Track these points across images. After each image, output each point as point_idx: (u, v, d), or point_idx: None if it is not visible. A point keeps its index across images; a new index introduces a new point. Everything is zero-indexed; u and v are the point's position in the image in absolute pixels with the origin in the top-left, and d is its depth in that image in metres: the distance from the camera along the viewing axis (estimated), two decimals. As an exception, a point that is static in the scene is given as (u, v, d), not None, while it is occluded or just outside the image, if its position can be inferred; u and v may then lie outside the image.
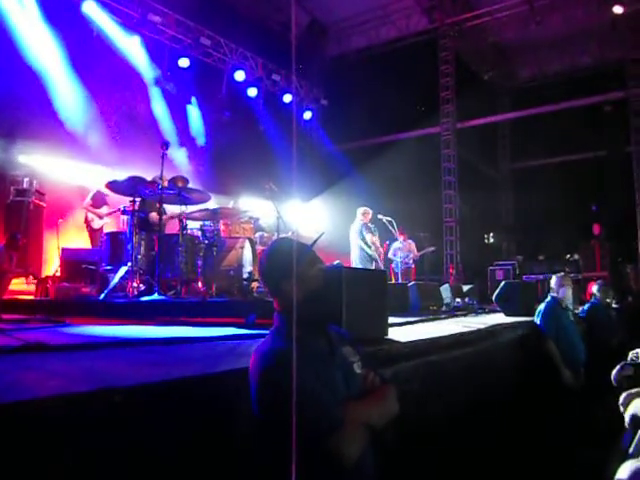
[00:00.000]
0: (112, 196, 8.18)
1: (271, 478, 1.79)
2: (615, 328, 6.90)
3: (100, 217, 8.54)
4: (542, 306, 5.86)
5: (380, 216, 10.17)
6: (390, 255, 11.12)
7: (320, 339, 2.01)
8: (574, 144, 16.12)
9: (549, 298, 5.89)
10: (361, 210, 9.77)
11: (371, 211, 9.79)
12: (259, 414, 1.84)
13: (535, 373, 5.48)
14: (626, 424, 2.74)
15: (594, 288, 7.33)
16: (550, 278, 6.20)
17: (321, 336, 2.02)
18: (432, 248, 12.32)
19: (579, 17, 14.49)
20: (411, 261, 11.35)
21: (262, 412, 1.83)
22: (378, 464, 1.98)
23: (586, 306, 7.14)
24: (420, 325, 5.50)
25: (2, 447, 1.39)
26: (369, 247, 9.44)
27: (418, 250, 11.72)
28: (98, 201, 8.65)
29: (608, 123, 15.08)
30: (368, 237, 9.48)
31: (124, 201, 6.63)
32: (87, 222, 8.67)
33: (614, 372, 4.12)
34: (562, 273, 6.11)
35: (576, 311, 7.24)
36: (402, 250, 11.08)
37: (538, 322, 5.81)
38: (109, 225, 8.76)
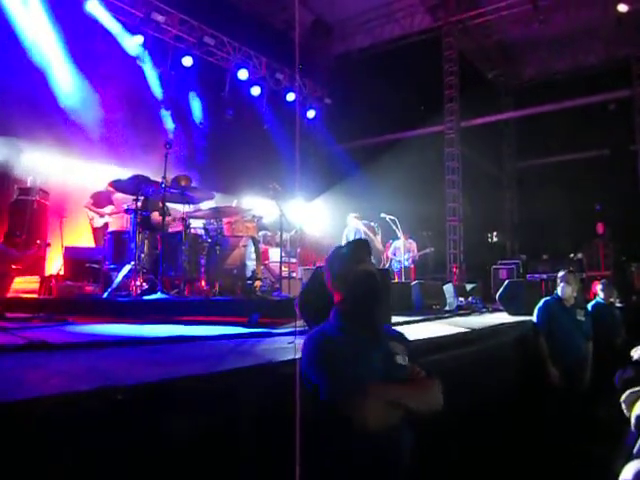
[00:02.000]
0: (118, 195, 8.22)
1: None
2: (619, 328, 6.88)
3: (101, 215, 8.55)
4: (542, 305, 5.88)
5: (384, 215, 10.21)
6: (389, 254, 11.14)
7: (366, 329, 2.31)
8: (578, 143, 16.05)
9: (554, 297, 5.89)
10: (352, 215, 10.33)
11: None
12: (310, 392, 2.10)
13: (536, 372, 5.47)
14: (632, 426, 2.71)
15: (598, 287, 7.30)
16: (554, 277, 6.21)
17: (368, 327, 2.32)
18: (430, 249, 12.29)
19: (583, 15, 14.44)
20: (410, 260, 11.35)
21: (312, 390, 2.09)
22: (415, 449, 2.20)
23: (590, 305, 7.12)
24: (423, 324, 5.49)
25: (6, 445, 1.40)
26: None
27: (418, 250, 11.72)
28: (101, 200, 8.65)
29: (613, 122, 15.01)
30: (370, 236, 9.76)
31: (129, 200, 6.63)
32: (89, 220, 8.69)
33: (616, 375, 4.11)
34: (565, 270, 6.07)
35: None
36: (403, 249, 11.09)
37: (534, 319, 5.84)
38: (113, 224, 8.76)
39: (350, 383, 2.06)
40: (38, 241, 8.30)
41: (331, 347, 2.16)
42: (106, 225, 8.50)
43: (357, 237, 10.00)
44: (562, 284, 5.77)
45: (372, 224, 10.21)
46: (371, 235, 10.02)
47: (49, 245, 8.31)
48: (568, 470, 3.82)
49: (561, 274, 5.93)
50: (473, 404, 3.82)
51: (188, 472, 1.86)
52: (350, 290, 2.31)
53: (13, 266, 7.48)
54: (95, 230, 8.55)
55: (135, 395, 1.78)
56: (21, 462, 1.43)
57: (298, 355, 2.51)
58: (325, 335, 2.24)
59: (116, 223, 8.15)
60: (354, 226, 10.14)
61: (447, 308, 8.28)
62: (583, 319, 5.86)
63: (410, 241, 11.42)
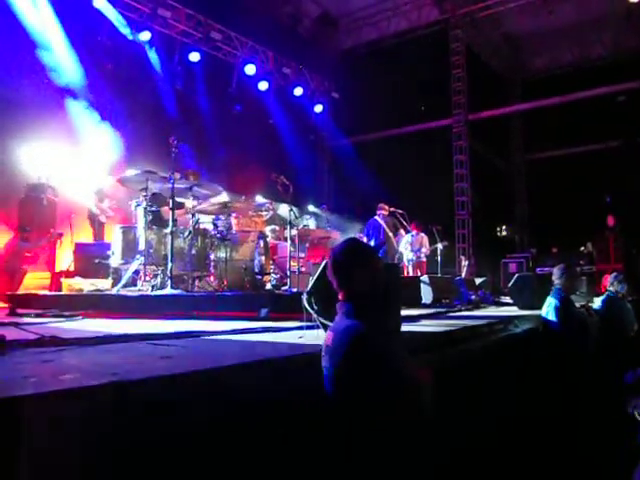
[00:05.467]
0: (108, 189, 8.36)
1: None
2: (631, 321, 6.80)
3: (105, 212, 8.62)
4: (554, 302, 5.45)
5: (392, 209, 10.20)
6: (401, 248, 11.09)
7: (388, 325, 2.46)
8: (587, 135, 15.94)
9: (561, 293, 5.49)
10: (380, 206, 10.41)
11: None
12: (339, 386, 2.11)
13: (546, 367, 5.42)
14: None
15: (609, 280, 7.21)
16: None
17: (390, 323, 2.49)
18: (445, 243, 12.24)
19: (592, 6, 14.32)
20: (422, 255, 11.30)
21: (345, 383, 2.10)
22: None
23: (601, 299, 7.05)
24: (433, 318, 5.47)
25: (16, 440, 1.40)
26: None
27: (430, 244, 11.67)
28: (100, 195, 8.74)
29: (622, 113, 14.88)
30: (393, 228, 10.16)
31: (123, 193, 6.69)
32: (94, 218, 8.73)
33: (627, 375, 4.07)
34: (570, 265, 5.84)
35: (591, 304, 7.14)
36: (413, 244, 11.05)
37: (554, 319, 5.41)
38: (112, 219, 8.84)
39: (399, 378, 2.11)
40: (52, 230, 8.33)
41: (376, 344, 2.15)
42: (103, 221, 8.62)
43: (374, 232, 10.06)
44: (579, 279, 5.49)
45: (399, 213, 10.26)
46: (389, 233, 10.06)
47: (62, 235, 8.31)
48: (576, 469, 3.79)
49: (568, 270, 5.60)
50: (483, 397, 3.80)
51: (198, 465, 1.86)
52: (373, 287, 2.31)
53: (26, 259, 7.56)
54: (101, 225, 8.62)
55: (145, 390, 1.78)
56: (30, 457, 1.43)
57: (306, 350, 2.52)
58: (367, 332, 2.16)
59: (115, 217, 8.25)
60: (376, 218, 10.21)
61: (457, 302, 8.25)
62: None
63: (422, 235, 11.36)
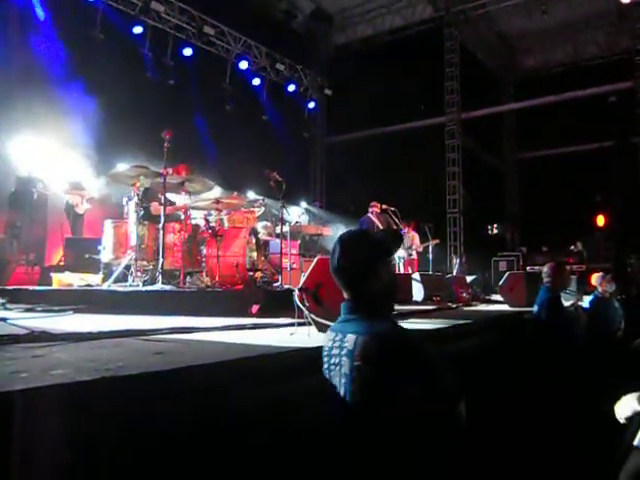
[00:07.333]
0: (87, 182, 8.34)
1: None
2: (619, 321, 6.85)
3: (81, 198, 8.60)
4: (544, 300, 5.44)
5: (385, 207, 10.22)
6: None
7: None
8: (580, 135, 16.03)
9: (550, 291, 5.47)
10: (371, 204, 10.40)
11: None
12: (378, 395, 1.84)
13: (536, 365, 5.45)
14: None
15: (596, 280, 7.25)
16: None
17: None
18: (436, 241, 12.27)
19: (585, 6, 14.39)
20: (414, 253, 11.33)
21: (382, 392, 1.83)
22: None
23: (590, 298, 7.10)
24: (423, 316, 5.49)
25: (5, 436, 1.39)
26: None
27: (422, 242, 11.70)
28: (76, 186, 8.70)
29: (614, 114, 14.97)
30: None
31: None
32: (69, 209, 8.67)
33: None
34: (558, 263, 5.87)
35: (581, 302, 7.20)
36: (404, 241, 11.07)
37: (543, 317, 5.53)
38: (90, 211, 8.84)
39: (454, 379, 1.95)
40: None
41: (421, 345, 1.96)
42: (84, 213, 8.59)
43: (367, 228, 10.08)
44: (569, 277, 5.56)
45: (391, 211, 10.26)
46: (382, 229, 10.10)
47: None
48: (566, 467, 3.82)
49: (557, 268, 5.60)
50: (475, 396, 3.82)
51: (190, 463, 1.86)
52: (392, 280, 2.06)
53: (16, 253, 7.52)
54: (77, 217, 8.58)
55: (139, 385, 1.77)
56: (20, 454, 1.42)
57: (297, 344, 2.52)
58: (399, 334, 1.95)
59: (93, 209, 8.25)
60: (369, 215, 10.24)
61: (448, 300, 8.28)
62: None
63: (413, 233, 11.39)
